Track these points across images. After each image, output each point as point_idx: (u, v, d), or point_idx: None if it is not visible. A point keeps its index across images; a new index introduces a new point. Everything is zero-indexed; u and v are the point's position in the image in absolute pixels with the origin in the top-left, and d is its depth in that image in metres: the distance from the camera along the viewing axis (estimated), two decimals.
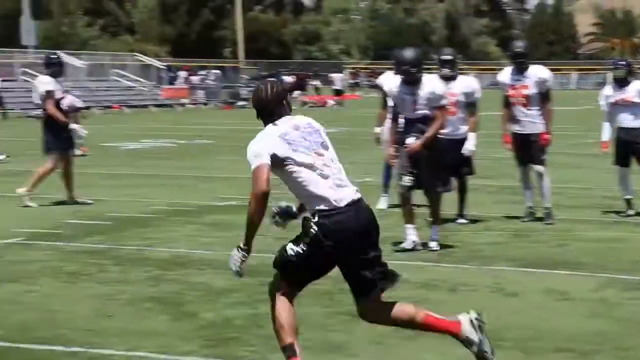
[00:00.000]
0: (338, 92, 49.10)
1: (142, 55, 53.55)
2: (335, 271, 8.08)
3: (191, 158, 19.37)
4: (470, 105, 10.65)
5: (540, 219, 10.78)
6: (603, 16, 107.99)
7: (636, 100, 11.08)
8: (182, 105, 45.53)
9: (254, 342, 6.00)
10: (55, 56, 13.21)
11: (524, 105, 10.76)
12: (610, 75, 11.19)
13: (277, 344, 5.92)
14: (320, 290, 7.42)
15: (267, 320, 6.51)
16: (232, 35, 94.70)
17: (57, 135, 12.40)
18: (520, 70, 10.81)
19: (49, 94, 12.36)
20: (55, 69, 12.77)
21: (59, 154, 12.44)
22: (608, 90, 11.41)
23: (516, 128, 10.91)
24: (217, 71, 54.72)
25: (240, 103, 47.16)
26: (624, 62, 11.43)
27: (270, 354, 5.73)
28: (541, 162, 10.83)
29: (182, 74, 53.13)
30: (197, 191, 13.83)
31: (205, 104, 47.57)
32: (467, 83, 10.75)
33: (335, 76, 49.87)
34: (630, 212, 11.17)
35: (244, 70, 64.99)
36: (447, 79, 10.35)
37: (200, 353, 5.77)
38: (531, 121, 10.78)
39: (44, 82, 12.56)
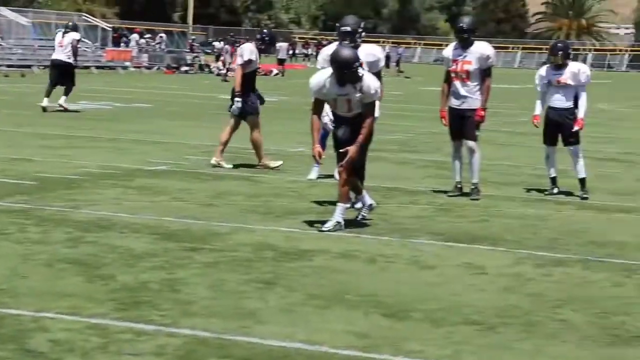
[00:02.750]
0: (281, 62, 49.19)
1: (89, 16, 52.82)
2: (257, 238, 8.15)
3: (128, 121, 19.22)
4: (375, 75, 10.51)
5: (467, 194, 10.90)
6: None
7: (570, 82, 11.21)
8: (125, 68, 45.08)
9: (166, 306, 6.00)
10: None
11: (464, 81, 10.85)
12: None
13: (189, 309, 5.97)
14: (239, 258, 7.46)
15: (183, 285, 6.55)
16: None
17: None
18: (464, 45, 10.89)
19: None
20: None
21: None
22: (543, 70, 11.52)
23: (453, 103, 11.00)
24: (163, 35, 54.23)
25: (184, 68, 46.81)
26: (561, 45, 11.51)
27: (182, 319, 5.74)
28: (474, 138, 10.95)
29: (134, 36, 52.59)
30: (130, 154, 13.75)
31: (148, 67, 47.13)
32: (370, 51, 10.10)
33: (281, 45, 49.71)
34: (555, 190, 11.35)
35: (191, 36, 64.40)
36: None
37: (111, 316, 5.75)
38: (469, 97, 10.88)
39: None
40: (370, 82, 8.82)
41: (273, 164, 12.70)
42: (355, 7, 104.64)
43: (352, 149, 8.72)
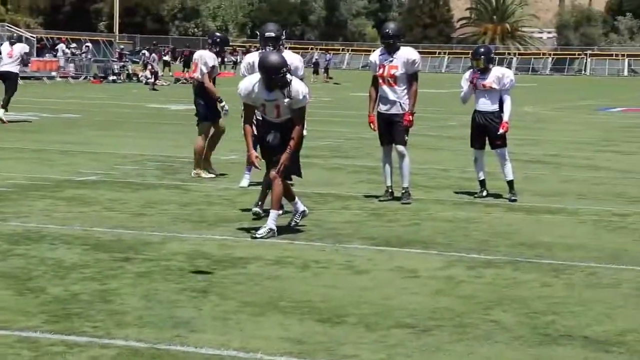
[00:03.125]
0: None
1: (12, 26, 52.01)
2: (190, 246, 8.11)
3: (55, 132, 18.98)
4: None
5: (398, 199, 10.98)
6: (478, 1, 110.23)
7: (494, 86, 11.37)
8: (51, 78, 44.49)
9: (99, 317, 5.95)
10: None
11: (391, 86, 10.95)
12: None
13: (122, 319, 5.92)
14: (172, 267, 7.42)
15: (116, 295, 6.50)
16: (108, 8, 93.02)
17: None
18: (390, 51, 10.99)
19: None
20: None
21: None
22: (469, 74, 11.66)
23: (382, 108, 11.08)
24: (89, 44, 53.68)
25: (112, 77, 46.36)
26: (483, 50, 11.66)
27: (115, 329, 5.69)
28: (403, 143, 11.04)
29: (61, 46, 51.94)
30: (58, 165, 13.58)
31: (75, 77, 46.59)
32: (289, 59, 9.80)
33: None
34: (484, 193, 11.49)
35: (120, 45, 63.86)
36: None
37: (42, 329, 5.68)
38: (396, 101, 10.97)
39: None
40: (298, 87, 8.83)
41: (206, 174, 12.65)
42: (282, 13, 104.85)
43: (284, 157, 8.74)
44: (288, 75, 8.74)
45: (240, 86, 8.97)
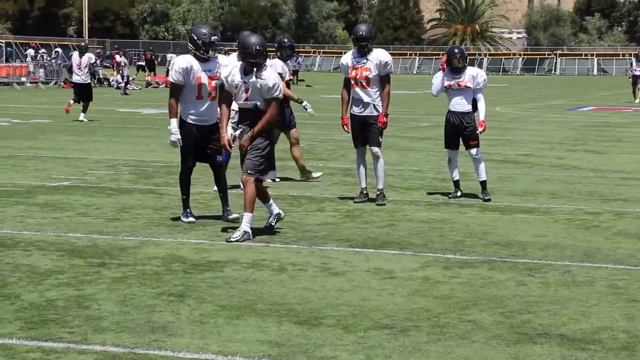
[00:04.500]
0: None
1: None
2: (166, 251, 8.08)
3: (27, 138, 18.86)
4: None
5: (373, 200, 11.00)
6: (447, 3, 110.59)
7: (469, 85, 11.41)
8: (21, 83, 44.20)
9: (75, 323, 5.92)
10: None
11: (364, 88, 10.97)
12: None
13: (99, 324, 5.90)
14: (148, 271, 7.40)
15: (92, 301, 6.47)
16: (77, 13, 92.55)
17: None
18: (362, 53, 11.00)
19: None
20: None
21: None
22: (441, 74, 11.68)
23: (355, 110, 11.10)
24: (59, 49, 53.36)
25: None
26: (457, 50, 11.69)
27: (92, 335, 5.67)
28: (377, 144, 11.06)
29: (30, 51, 51.61)
30: (30, 171, 13.50)
31: (45, 82, 46.32)
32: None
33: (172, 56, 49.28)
34: (458, 193, 11.53)
35: (90, 49, 63.51)
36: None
37: (18, 335, 5.65)
38: (370, 103, 10.99)
39: None
40: (271, 74, 8.94)
41: (316, 173, 12.78)
42: (253, 17, 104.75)
43: (245, 138, 8.82)
44: (267, 60, 8.94)
45: (223, 72, 9.19)
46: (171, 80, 9.66)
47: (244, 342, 5.60)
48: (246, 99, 8.94)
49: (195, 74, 9.47)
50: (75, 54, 24.61)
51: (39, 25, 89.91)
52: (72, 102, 24.18)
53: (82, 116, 23.56)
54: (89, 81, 24.47)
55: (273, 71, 9.07)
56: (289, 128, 12.91)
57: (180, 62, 9.64)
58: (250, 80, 8.87)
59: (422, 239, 8.95)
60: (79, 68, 23.96)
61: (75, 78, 24.21)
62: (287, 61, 12.82)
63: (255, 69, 8.88)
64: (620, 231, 9.55)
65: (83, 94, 23.98)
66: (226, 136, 9.01)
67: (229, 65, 9.21)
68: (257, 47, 8.83)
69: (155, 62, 53.75)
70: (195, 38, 9.57)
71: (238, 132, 8.98)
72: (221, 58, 9.88)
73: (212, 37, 9.58)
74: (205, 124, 9.55)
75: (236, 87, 8.98)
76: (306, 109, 13.16)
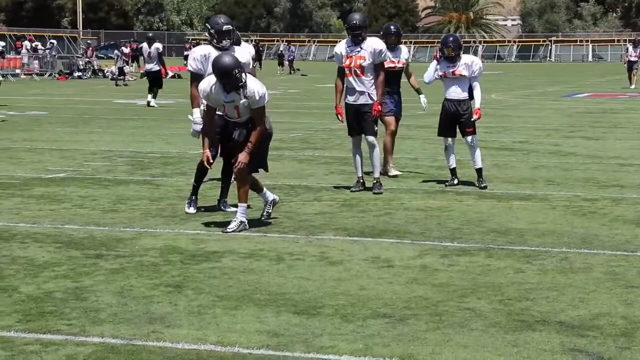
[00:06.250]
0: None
1: None
2: (163, 242, 8.07)
3: (22, 130, 18.82)
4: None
5: (369, 189, 10.99)
6: None
7: (464, 73, 11.40)
8: (15, 75, 44.10)
9: (73, 315, 5.91)
10: None
11: (358, 76, 10.94)
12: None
13: (97, 316, 5.89)
14: (145, 262, 7.39)
15: (90, 292, 6.46)
16: (71, 4, 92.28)
17: None
18: (356, 42, 10.97)
19: None
20: None
21: None
22: (435, 63, 11.65)
23: (349, 99, 11.07)
24: (54, 41, 53.23)
25: (77, 74, 46.04)
26: (452, 38, 11.66)
27: (90, 327, 5.66)
28: (373, 133, 11.04)
29: (27, 43, 51.43)
30: (26, 163, 13.48)
31: (40, 74, 46.22)
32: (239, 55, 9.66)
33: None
34: (455, 181, 11.52)
35: (83, 40, 63.40)
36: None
37: (16, 328, 5.63)
38: (364, 92, 10.96)
39: None
40: (254, 87, 8.65)
41: (393, 171, 12.41)
42: (247, 6, 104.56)
43: (242, 156, 8.66)
44: (243, 75, 8.59)
45: (199, 87, 8.92)
46: (190, 68, 9.67)
47: (242, 333, 5.59)
48: (238, 116, 8.80)
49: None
50: (144, 45, 26.50)
51: (33, 17, 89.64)
52: (150, 98, 25.72)
53: (152, 102, 25.49)
54: (158, 68, 26.05)
55: (253, 82, 8.72)
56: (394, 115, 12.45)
57: (199, 50, 9.68)
58: (241, 102, 8.62)
59: (420, 227, 8.94)
60: (149, 57, 25.98)
61: (147, 67, 26.28)
62: (395, 50, 12.25)
63: (237, 89, 8.60)
64: (617, 217, 9.54)
65: (154, 81, 25.73)
66: (207, 152, 8.82)
67: (204, 82, 8.87)
68: (235, 71, 8.51)
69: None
70: (209, 27, 9.60)
71: (236, 134, 8.86)
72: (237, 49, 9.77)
73: (225, 26, 9.55)
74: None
75: (223, 106, 8.79)
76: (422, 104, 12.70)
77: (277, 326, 5.74)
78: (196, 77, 9.52)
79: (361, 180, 11.13)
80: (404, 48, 12.52)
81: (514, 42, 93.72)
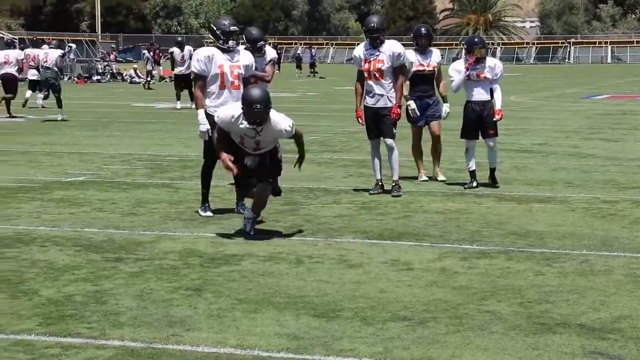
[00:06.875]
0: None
1: None
2: (182, 245, 8.08)
3: (42, 133, 18.91)
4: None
5: (388, 192, 10.97)
6: None
7: (488, 76, 11.38)
8: None
9: (93, 318, 5.92)
10: None
11: (377, 80, 10.93)
12: (463, 51, 11.37)
13: (117, 319, 5.89)
14: (165, 266, 7.40)
15: (109, 296, 6.48)
16: (90, 8, 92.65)
17: None
18: (375, 45, 10.95)
19: None
20: None
21: None
22: (459, 64, 11.60)
23: (368, 101, 11.07)
24: (72, 45, 53.49)
25: (96, 77, 46.20)
26: (479, 40, 11.59)
27: (110, 330, 5.67)
28: (392, 136, 11.02)
29: (45, 47, 51.59)
30: (46, 167, 13.53)
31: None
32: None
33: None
34: (474, 184, 11.48)
35: (103, 44, 63.71)
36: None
37: (37, 331, 5.66)
38: (383, 95, 10.95)
39: None
40: (277, 121, 8.39)
41: (441, 176, 12.32)
42: (265, 9, 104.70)
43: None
44: (270, 112, 8.32)
45: (219, 113, 8.62)
46: (194, 70, 9.63)
47: (262, 336, 5.59)
48: (256, 149, 8.55)
49: (216, 62, 9.44)
50: (175, 50, 27.06)
51: (52, 20, 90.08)
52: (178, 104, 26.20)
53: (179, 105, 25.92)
54: (189, 72, 26.60)
55: (278, 115, 8.43)
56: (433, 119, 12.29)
57: (202, 51, 9.66)
58: (263, 135, 8.41)
59: (439, 230, 8.92)
60: (182, 60, 26.53)
61: (177, 70, 26.83)
62: (426, 52, 12.05)
63: (258, 124, 8.33)
64: (637, 219, 9.49)
65: (186, 84, 25.84)
66: (226, 156, 8.49)
67: (226, 109, 8.60)
68: (259, 106, 8.19)
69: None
70: (215, 28, 9.57)
71: (248, 160, 8.59)
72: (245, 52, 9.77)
73: (231, 27, 9.49)
74: None
75: (241, 137, 8.48)
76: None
77: (296, 329, 5.74)
78: (200, 78, 9.52)
79: (380, 183, 11.12)
80: (435, 51, 12.27)
81: (533, 44, 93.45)
